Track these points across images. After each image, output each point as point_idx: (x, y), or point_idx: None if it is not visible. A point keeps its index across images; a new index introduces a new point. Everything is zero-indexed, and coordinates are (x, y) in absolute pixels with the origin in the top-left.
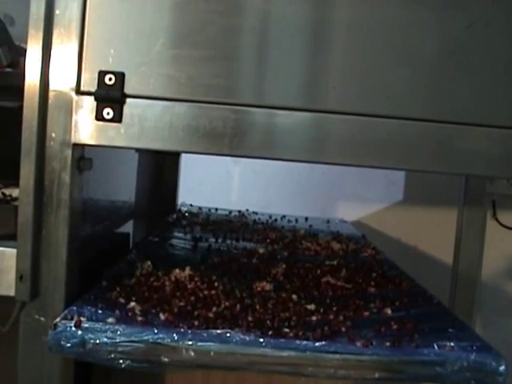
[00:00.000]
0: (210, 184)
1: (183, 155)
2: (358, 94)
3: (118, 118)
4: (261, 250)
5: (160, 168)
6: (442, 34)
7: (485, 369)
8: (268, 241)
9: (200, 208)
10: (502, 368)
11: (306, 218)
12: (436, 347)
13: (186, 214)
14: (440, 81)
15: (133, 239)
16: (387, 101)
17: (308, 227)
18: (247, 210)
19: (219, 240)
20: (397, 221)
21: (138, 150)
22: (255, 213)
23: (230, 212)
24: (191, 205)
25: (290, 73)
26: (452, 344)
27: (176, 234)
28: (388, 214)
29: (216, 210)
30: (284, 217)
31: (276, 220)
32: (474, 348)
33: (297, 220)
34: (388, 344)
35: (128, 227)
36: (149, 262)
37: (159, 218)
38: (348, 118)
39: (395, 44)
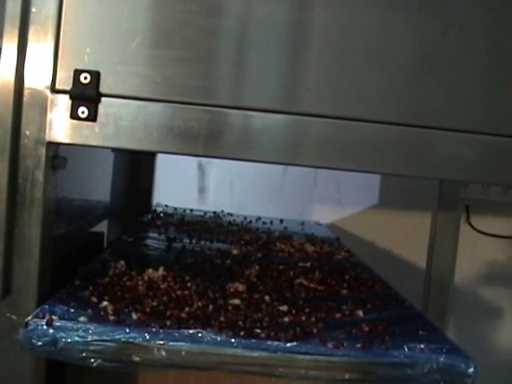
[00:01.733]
0: (185, 185)
1: (159, 156)
2: (333, 96)
3: (92, 116)
4: (235, 251)
5: (135, 168)
6: (417, 39)
7: (454, 371)
8: (242, 242)
9: (175, 209)
10: (470, 370)
11: (281, 220)
12: (406, 349)
13: (161, 215)
14: (414, 85)
15: (107, 239)
16: (362, 104)
17: (282, 229)
18: (222, 211)
19: (193, 241)
20: (371, 224)
21: (113, 149)
22: (230, 214)
23: (205, 213)
24: (166, 205)
25: (266, 74)
26: (422, 346)
27: (150, 234)
28: (363, 218)
29: (191, 210)
30: (259, 218)
31: (251, 222)
32: (444, 350)
33: (271, 222)
34: (359, 345)
35: (102, 227)
36: (122, 262)
37: (134, 218)
38: (323, 120)
39: (371, 48)
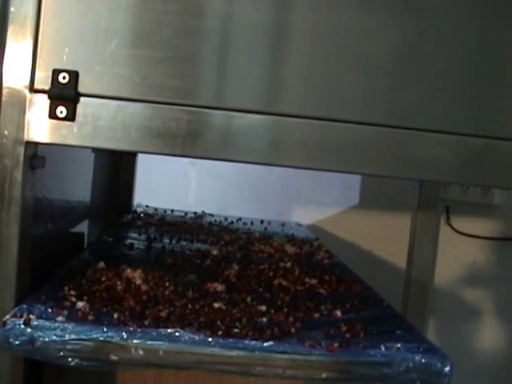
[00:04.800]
0: (167, 185)
1: (140, 156)
2: (313, 97)
3: (71, 116)
4: (215, 252)
5: (116, 168)
6: (395, 41)
7: (430, 369)
8: (222, 242)
9: (156, 209)
10: (446, 369)
11: (262, 221)
12: (383, 348)
13: (142, 215)
14: (394, 86)
15: (87, 239)
16: (342, 105)
17: (263, 230)
18: (203, 211)
19: (173, 241)
20: (352, 225)
21: (92, 149)
22: (211, 215)
23: (186, 213)
24: (147, 206)
25: (246, 75)
26: (399, 345)
27: (130, 234)
28: (343, 218)
29: (172, 211)
30: (240, 219)
31: (232, 222)
32: (421, 349)
33: (252, 222)
34: (336, 345)
35: (83, 227)
36: (102, 262)
37: (114, 219)
38: (303, 121)
39: (350, 49)
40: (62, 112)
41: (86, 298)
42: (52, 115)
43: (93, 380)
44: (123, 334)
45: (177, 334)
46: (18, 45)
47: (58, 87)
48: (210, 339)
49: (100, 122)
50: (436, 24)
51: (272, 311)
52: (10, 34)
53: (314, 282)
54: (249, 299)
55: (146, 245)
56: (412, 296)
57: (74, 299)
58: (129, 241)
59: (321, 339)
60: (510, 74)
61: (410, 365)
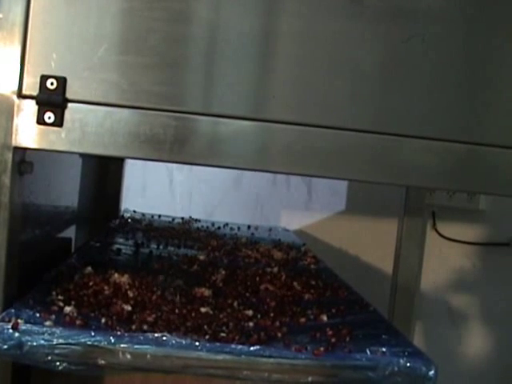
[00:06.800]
0: (154, 191)
1: (128, 161)
2: (299, 103)
3: (59, 122)
4: (202, 257)
5: (104, 173)
6: (380, 48)
7: (414, 373)
8: (209, 248)
9: (143, 214)
10: (431, 373)
11: (249, 226)
12: (368, 352)
13: (129, 220)
14: (378, 93)
15: (75, 244)
16: (327, 111)
17: (250, 235)
18: (190, 217)
19: (161, 246)
20: (339, 230)
21: (81, 154)
22: (198, 220)
23: (173, 219)
24: (134, 211)
25: (233, 81)
26: (384, 349)
27: (118, 239)
28: (330, 224)
29: (159, 216)
30: (227, 224)
31: (219, 228)
32: (406, 353)
33: (239, 228)
34: (322, 349)
35: (70, 232)
36: (89, 267)
37: (102, 224)
38: (289, 127)
39: (335, 56)
40: (50, 118)
41: (73, 302)
42: (40, 121)
43: (81, 383)
44: (111, 338)
45: (164, 338)
46: (6, 51)
47: (46, 93)
48: (196, 343)
49: (88, 128)
50: (421, 32)
51: (258, 316)
52: None
53: (300, 287)
54: (235, 304)
55: (134, 250)
56: (398, 301)
57: (61, 304)
58: (116, 246)
59: (307, 343)
60: (495, 80)
61: (395, 369)
